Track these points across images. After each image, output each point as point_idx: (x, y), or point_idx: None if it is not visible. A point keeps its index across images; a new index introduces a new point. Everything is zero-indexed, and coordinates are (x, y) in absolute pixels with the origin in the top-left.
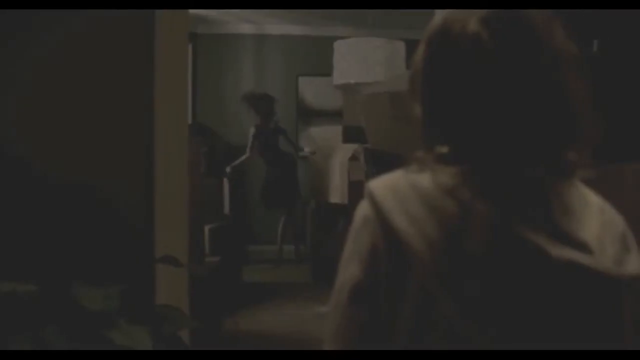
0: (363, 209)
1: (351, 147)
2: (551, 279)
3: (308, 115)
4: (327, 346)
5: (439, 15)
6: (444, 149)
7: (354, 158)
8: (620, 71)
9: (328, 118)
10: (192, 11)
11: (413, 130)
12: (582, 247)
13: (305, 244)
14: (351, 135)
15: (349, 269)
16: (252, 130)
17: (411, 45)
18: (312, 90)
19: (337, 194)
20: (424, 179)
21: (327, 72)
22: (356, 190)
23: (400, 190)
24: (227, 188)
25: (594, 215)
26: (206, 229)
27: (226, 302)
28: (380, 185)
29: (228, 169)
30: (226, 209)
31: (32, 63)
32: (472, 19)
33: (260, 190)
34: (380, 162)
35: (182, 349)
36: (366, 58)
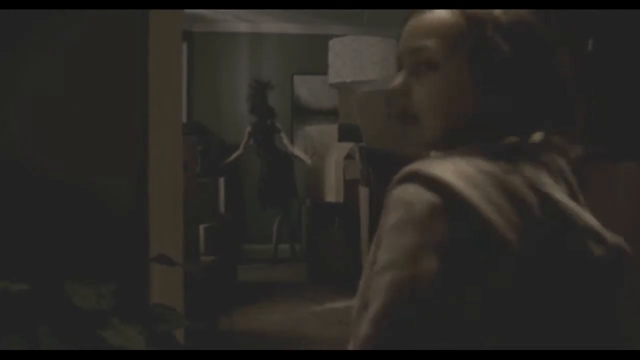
0: (426, 198)
1: (347, 146)
2: (593, 272)
3: (303, 114)
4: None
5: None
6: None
7: (349, 157)
8: (615, 70)
9: (323, 117)
10: (187, 10)
11: (420, 128)
12: (602, 240)
13: (301, 243)
14: (346, 133)
15: (425, 261)
16: (248, 128)
17: None
18: (308, 89)
19: (332, 193)
20: (489, 165)
21: (322, 70)
22: (352, 189)
23: (474, 177)
24: (223, 187)
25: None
26: (201, 228)
27: (221, 301)
28: (448, 172)
29: (224, 162)
30: (221, 208)
31: (29, 63)
32: (526, 12)
33: (256, 189)
34: (376, 161)
35: (176, 348)
36: (361, 56)
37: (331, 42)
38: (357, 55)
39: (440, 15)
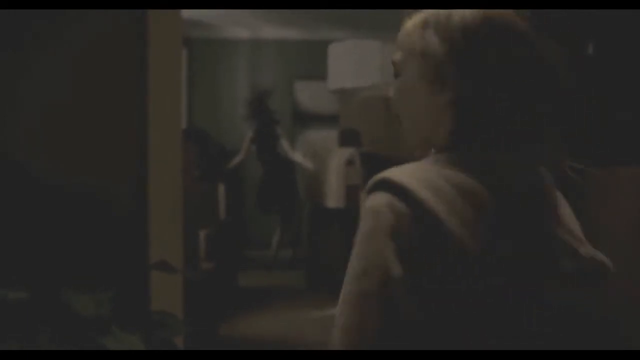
0: (394, 206)
1: (347, 151)
2: (574, 275)
3: (304, 119)
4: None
5: (461, 10)
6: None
7: (350, 162)
8: (615, 73)
9: (324, 122)
10: (187, 16)
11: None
12: (583, 242)
13: (302, 249)
14: (347, 139)
15: (393, 269)
16: (250, 134)
17: None
18: (308, 94)
19: (333, 198)
20: (460, 176)
21: (323, 75)
22: (353, 194)
23: (441, 187)
24: (223, 192)
25: (567, 207)
26: (201, 233)
27: (222, 306)
28: (415, 181)
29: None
30: (221, 213)
31: (27, 66)
32: (515, 16)
33: (256, 194)
34: (377, 166)
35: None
36: (362, 61)
37: (331, 47)
38: (358, 60)
39: (406, 25)
